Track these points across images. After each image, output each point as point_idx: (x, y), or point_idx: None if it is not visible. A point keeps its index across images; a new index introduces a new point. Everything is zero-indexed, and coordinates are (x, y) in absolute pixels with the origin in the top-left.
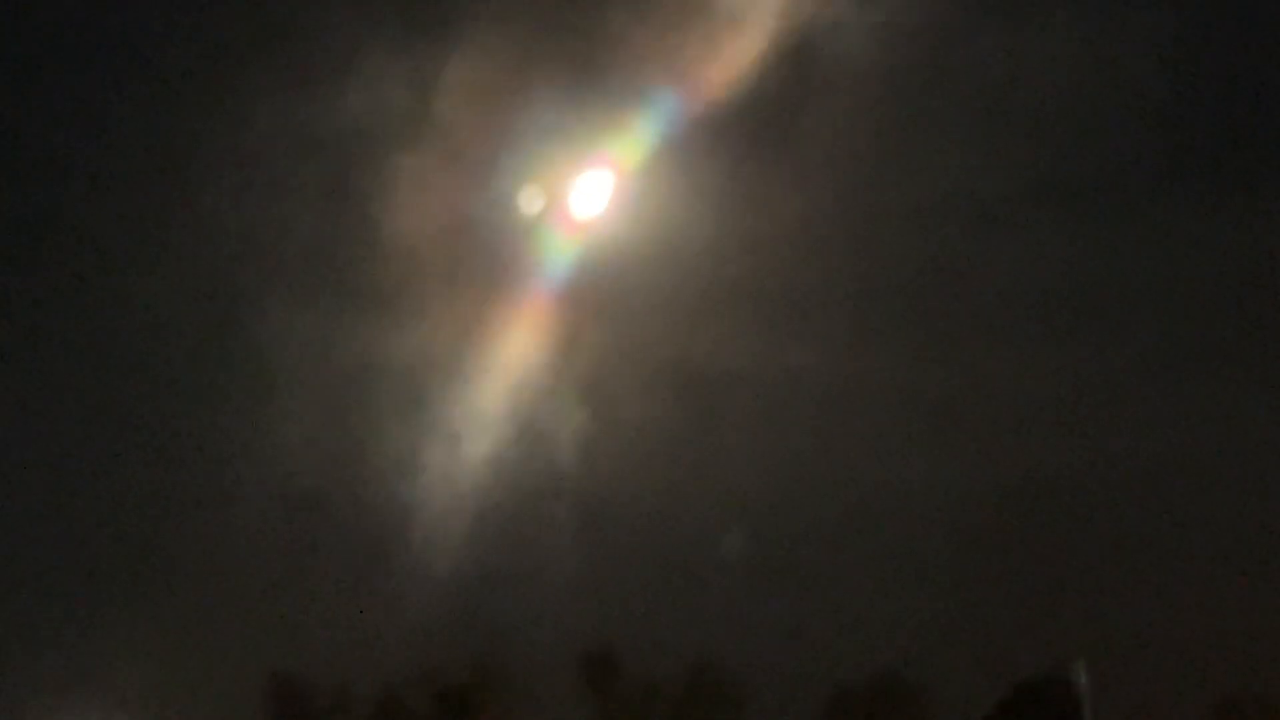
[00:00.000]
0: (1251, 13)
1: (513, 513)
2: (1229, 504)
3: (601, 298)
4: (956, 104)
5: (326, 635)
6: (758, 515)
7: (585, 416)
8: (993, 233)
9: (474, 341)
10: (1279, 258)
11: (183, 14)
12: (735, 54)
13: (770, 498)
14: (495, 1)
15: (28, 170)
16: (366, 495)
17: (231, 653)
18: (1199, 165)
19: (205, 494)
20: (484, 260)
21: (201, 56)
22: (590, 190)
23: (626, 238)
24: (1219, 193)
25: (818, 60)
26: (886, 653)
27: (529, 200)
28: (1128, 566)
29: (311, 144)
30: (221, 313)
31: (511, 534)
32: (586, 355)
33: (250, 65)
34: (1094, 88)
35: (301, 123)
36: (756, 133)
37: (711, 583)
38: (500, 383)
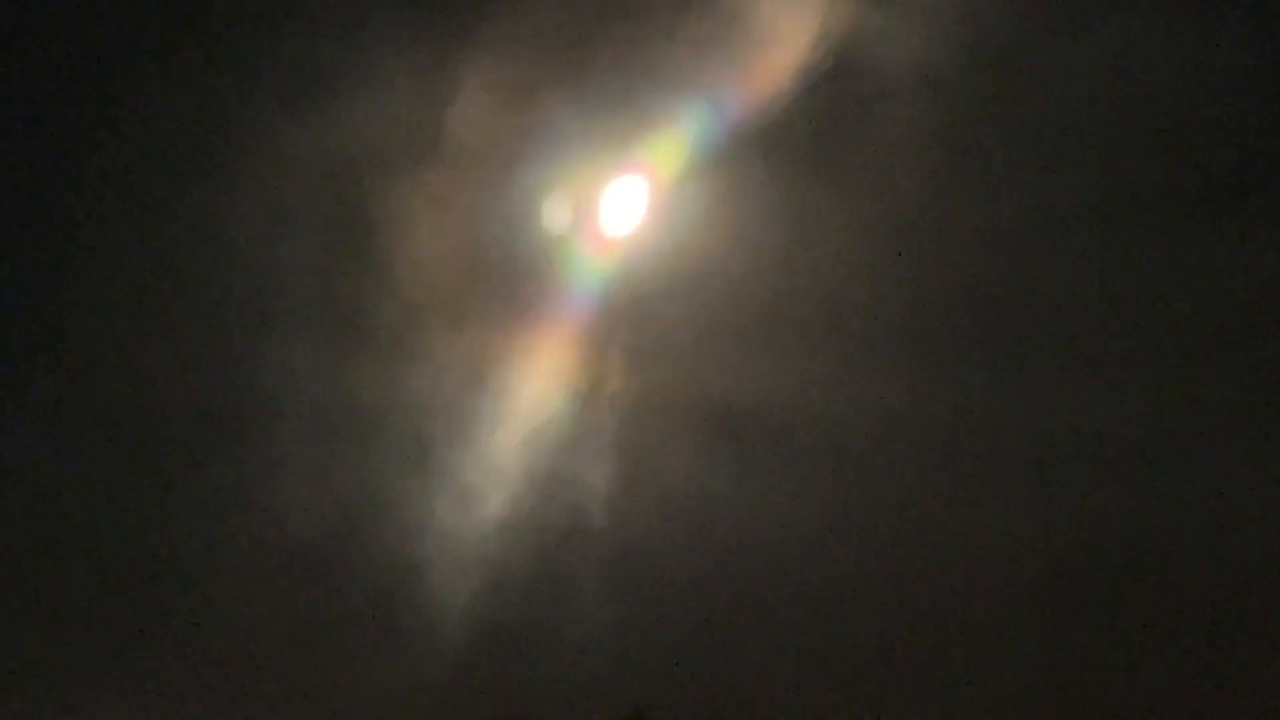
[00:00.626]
0: None
1: (536, 560)
2: None
3: (634, 320)
4: (1016, 115)
5: (333, 702)
6: (801, 562)
7: (616, 451)
8: (1059, 251)
9: (495, 369)
10: None
11: (180, 22)
12: (780, 61)
13: (815, 542)
14: (523, 4)
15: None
16: (376, 545)
17: None
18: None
19: (198, 549)
20: (506, 279)
21: (202, 65)
22: (622, 204)
23: (661, 255)
24: None
25: (867, 70)
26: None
27: (555, 214)
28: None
29: (316, 155)
30: (222, 338)
31: (534, 585)
32: (617, 382)
33: (255, 71)
34: (1164, 98)
35: (306, 131)
36: (802, 144)
37: (749, 638)
38: (524, 414)
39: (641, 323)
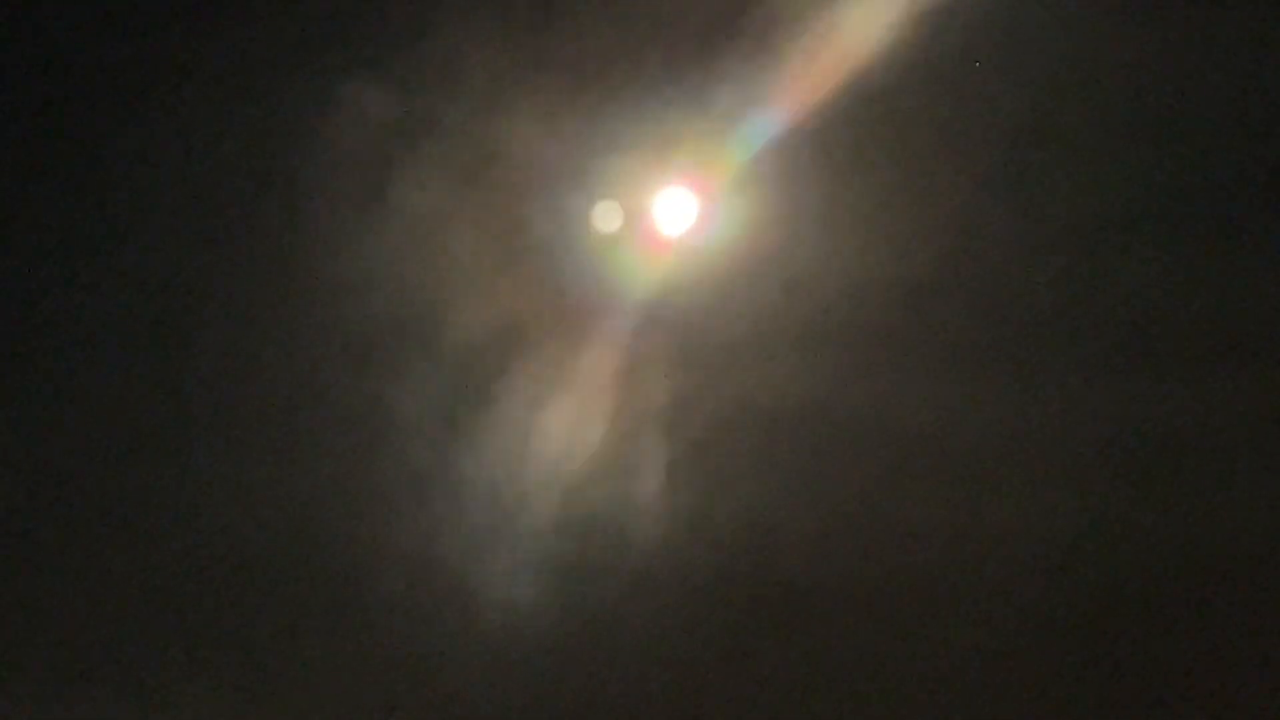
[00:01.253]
0: None
1: (582, 566)
2: None
3: (686, 324)
4: (1065, 125)
5: None
6: (853, 562)
7: (666, 456)
8: (1120, 258)
9: (544, 373)
10: None
11: (207, 22)
12: (834, 64)
13: (861, 545)
14: (572, 6)
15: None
16: (413, 543)
17: None
18: None
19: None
20: (556, 282)
21: (230, 65)
22: (674, 207)
23: (713, 260)
24: None
25: (922, 76)
26: None
27: (607, 217)
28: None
29: (359, 153)
30: (253, 338)
31: (580, 593)
32: (669, 387)
33: (292, 67)
34: (1213, 101)
35: (347, 128)
36: (856, 150)
37: (802, 638)
38: (573, 418)
39: (694, 328)
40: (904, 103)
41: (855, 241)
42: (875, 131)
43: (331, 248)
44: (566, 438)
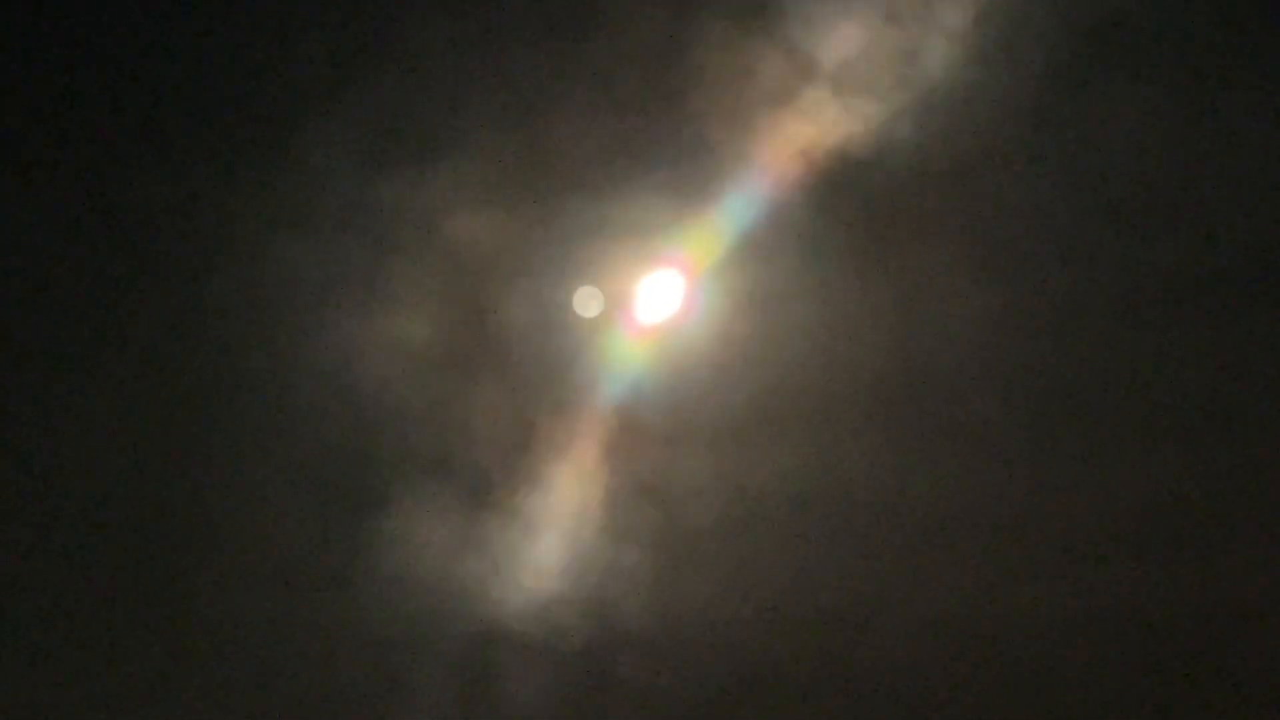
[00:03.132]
0: None
1: (568, 661)
2: None
3: (671, 412)
4: (1053, 204)
5: None
6: (850, 647)
7: (651, 547)
8: (1113, 337)
9: (525, 462)
10: None
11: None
12: (822, 143)
13: (852, 630)
14: (547, 79)
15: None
16: (396, 636)
17: None
18: None
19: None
20: (537, 369)
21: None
22: (658, 292)
23: (697, 344)
24: None
25: (912, 159)
26: None
27: (588, 303)
28: None
29: (340, 230)
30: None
31: (564, 684)
32: (653, 477)
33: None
34: (1186, 180)
35: (329, 204)
36: (843, 233)
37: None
38: (555, 507)
39: (677, 411)
40: (892, 185)
41: (844, 325)
42: (863, 214)
43: (307, 334)
44: (549, 525)
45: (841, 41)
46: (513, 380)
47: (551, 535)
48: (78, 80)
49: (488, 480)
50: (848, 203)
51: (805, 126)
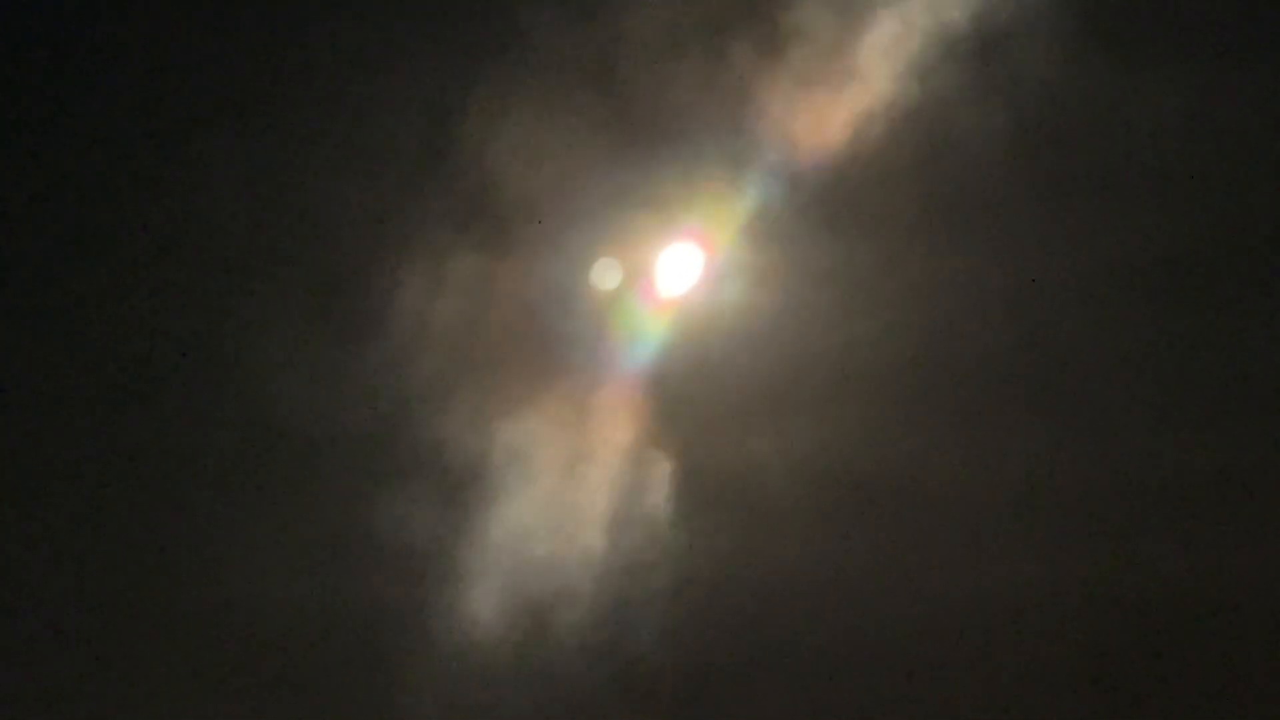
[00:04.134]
0: None
1: (590, 636)
2: None
3: (690, 384)
4: (1067, 178)
5: None
6: (871, 626)
7: (669, 513)
8: (1144, 310)
9: (545, 432)
10: None
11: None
12: (841, 120)
13: (881, 605)
14: (573, 57)
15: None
16: (422, 606)
17: None
18: None
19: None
20: (556, 341)
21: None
22: (678, 265)
23: (716, 319)
24: None
25: (931, 129)
26: None
27: (608, 274)
28: None
29: (359, 206)
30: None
31: (587, 662)
32: (673, 448)
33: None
34: (1204, 157)
35: (346, 181)
36: (860, 209)
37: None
38: (577, 479)
39: (697, 387)
40: (909, 164)
41: (858, 300)
42: (879, 191)
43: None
44: (568, 497)
45: (860, 25)
46: (533, 351)
47: (563, 504)
48: None
49: (500, 451)
50: (865, 182)
51: (825, 107)
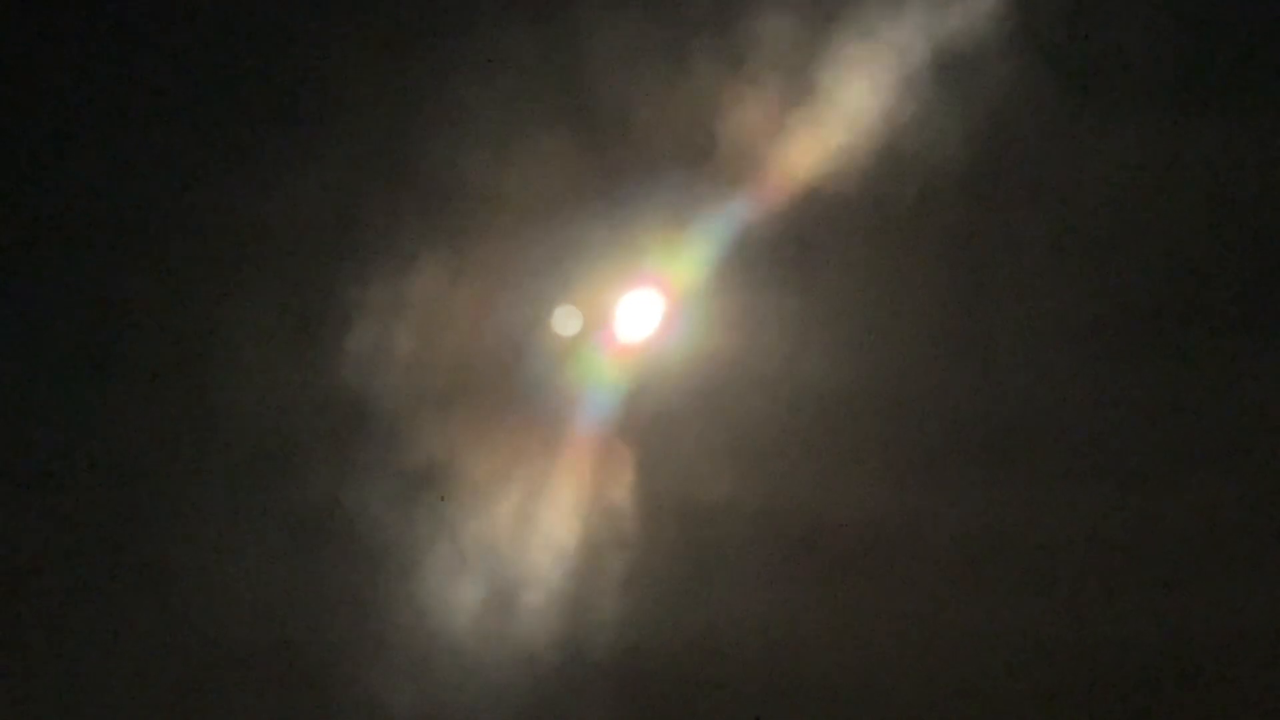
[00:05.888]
0: None
1: (544, 689)
2: None
3: (649, 432)
4: (1041, 221)
5: None
6: (832, 675)
7: (630, 562)
8: (1086, 360)
9: (503, 481)
10: None
11: None
12: (801, 165)
13: (845, 653)
14: (525, 100)
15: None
16: (372, 670)
17: None
18: None
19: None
20: (515, 388)
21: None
22: (638, 311)
23: (676, 364)
24: None
25: (896, 173)
26: None
27: (567, 321)
28: None
29: (318, 250)
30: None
31: (542, 700)
32: (631, 497)
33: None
34: (1191, 200)
35: (306, 229)
36: (821, 253)
37: None
38: (533, 527)
39: (657, 433)
40: (870, 206)
41: (820, 345)
42: (841, 235)
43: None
44: (530, 543)
45: (821, 68)
46: (491, 397)
47: (526, 549)
48: None
49: (468, 493)
50: (824, 227)
51: (785, 152)
